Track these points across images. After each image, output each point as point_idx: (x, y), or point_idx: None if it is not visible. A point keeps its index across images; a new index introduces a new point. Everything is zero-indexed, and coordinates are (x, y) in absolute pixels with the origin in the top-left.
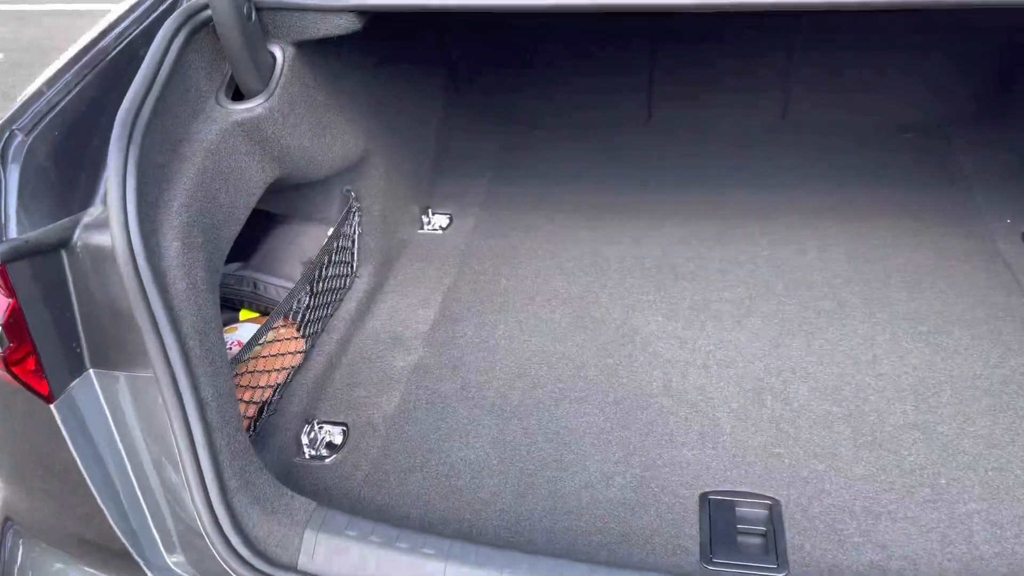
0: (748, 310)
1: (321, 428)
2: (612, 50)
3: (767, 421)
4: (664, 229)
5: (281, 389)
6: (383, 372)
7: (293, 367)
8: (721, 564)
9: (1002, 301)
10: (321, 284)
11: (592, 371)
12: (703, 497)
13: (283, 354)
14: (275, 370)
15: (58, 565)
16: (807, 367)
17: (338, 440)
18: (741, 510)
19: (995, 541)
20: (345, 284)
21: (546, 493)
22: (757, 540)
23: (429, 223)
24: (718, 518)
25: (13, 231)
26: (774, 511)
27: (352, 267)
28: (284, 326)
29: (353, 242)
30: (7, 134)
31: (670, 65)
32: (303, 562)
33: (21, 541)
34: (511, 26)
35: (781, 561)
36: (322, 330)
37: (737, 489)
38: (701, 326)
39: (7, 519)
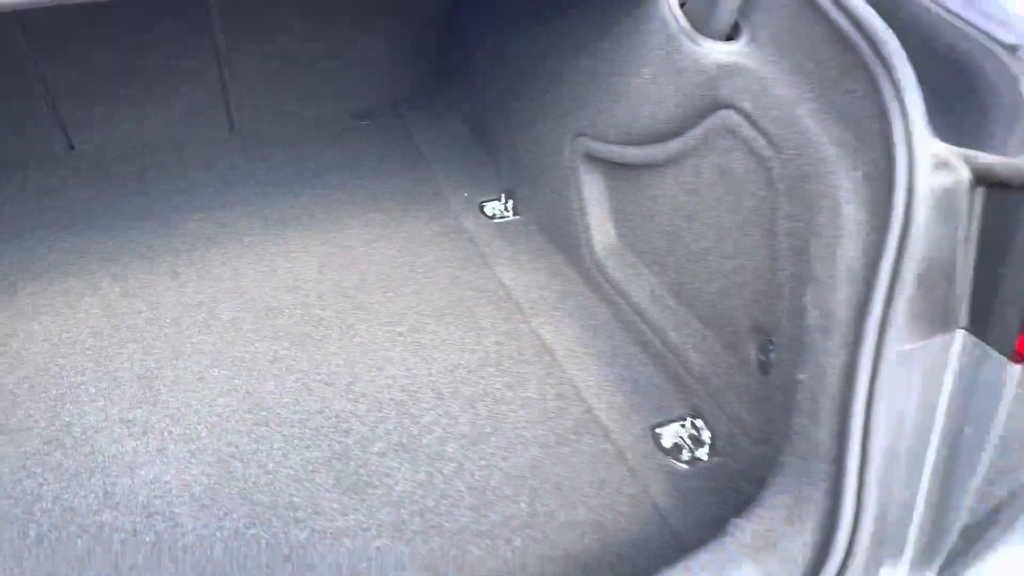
0: (213, 360)
1: None
2: None
3: (238, 498)
4: (101, 283)
5: None
6: None
7: None
8: None
9: (472, 279)
10: None
11: (1, 505)
12: None
13: None
14: None
15: None
16: (281, 411)
17: None
18: None
19: (489, 556)
20: None
21: None
22: None
23: None
24: None
25: None
26: None
27: None
28: None
29: None
30: None
31: (72, 72)
32: None
33: None
34: None
35: None
36: None
37: None
38: (155, 397)
39: None
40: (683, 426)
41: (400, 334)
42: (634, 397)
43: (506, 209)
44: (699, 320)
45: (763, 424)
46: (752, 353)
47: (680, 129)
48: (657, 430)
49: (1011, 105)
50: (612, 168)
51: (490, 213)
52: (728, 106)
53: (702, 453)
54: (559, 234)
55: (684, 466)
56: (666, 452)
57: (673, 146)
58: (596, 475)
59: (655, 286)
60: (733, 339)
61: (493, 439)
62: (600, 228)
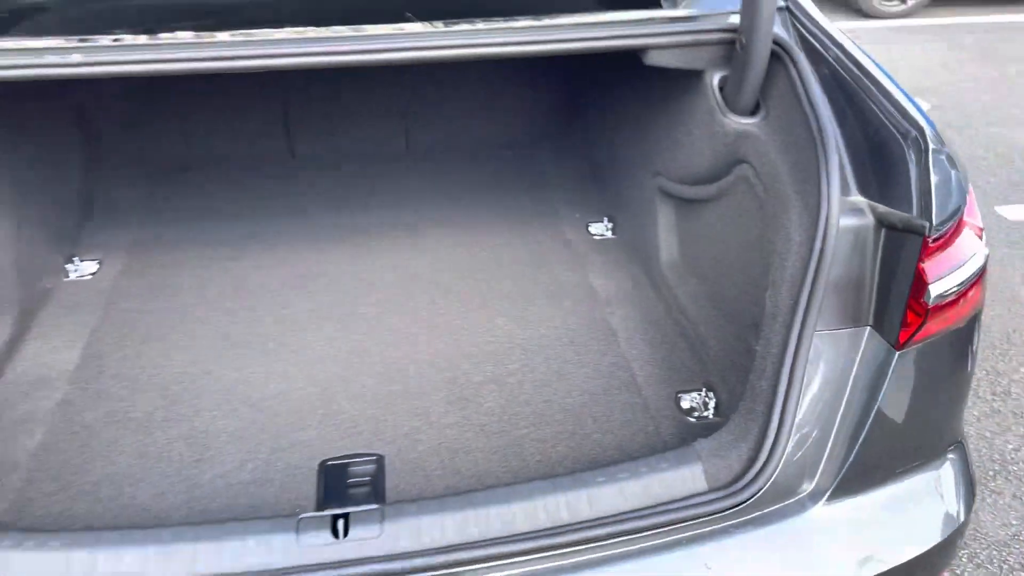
0: (385, 310)
1: None
2: (249, 91)
3: (382, 396)
4: (305, 249)
5: None
6: (26, 414)
7: None
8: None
9: (567, 278)
10: None
11: (229, 378)
12: (321, 465)
13: None
14: None
15: None
16: (420, 350)
17: None
18: (353, 468)
19: (539, 452)
20: None
21: (183, 488)
22: (364, 488)
23: (76, 271)
24: (333, 477)
25: None
26: (379, 464)
27: None
28: None
29: None
30: None
31: (306, 104)
32: None
33: None
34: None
35: (379, 500)
36: None
37: (350, 453)
38: (344, 329)
39: None
40: (699, 394)
41: (506, 309)
42: (668, 371)
43: (607, 230)
44: (723, 317)
45: None
46: (751, 342)
47: (717, 175)
48: (679, 395)
49: (905, 174)
50: (678, 201)
51: (593, 232)
52: (745, 161)
53: (708, 414)
54: (640, 250)
55: (692, 420)
56: (681, 411)
57: (713, 188)
58: (625, 417)
59: (697, 291)
60: (740, 331)
61: (557, 384)
62: (666, 246)
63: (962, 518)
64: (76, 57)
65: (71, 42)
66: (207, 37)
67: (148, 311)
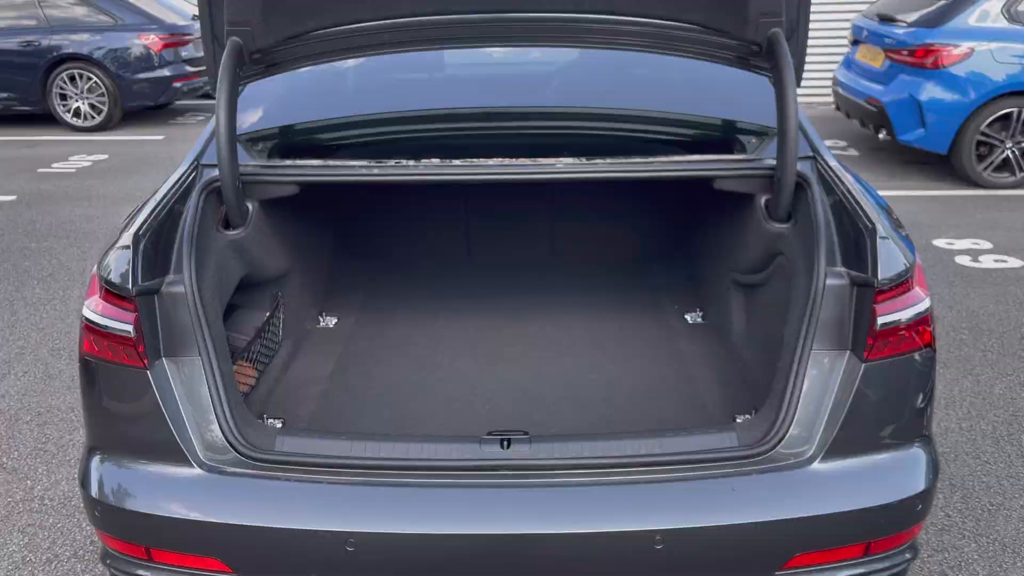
0: (527, 357)
1: (267, 421)
2: (443, 208)
3: (527, 402)
4: (477, 319)
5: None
6: (302, 395)
7: (250, 385)
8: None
9: (662, 344)
10: (262, 343)
11: (431, 385)
12: (489, 432)
13: (243, 378)
14: (239, 383)
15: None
16: (553, 379)
17: (279, 427)
18: (507, 436)
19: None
20: (275, 350)
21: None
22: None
23: (324, 322)
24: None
25: (140, 282)
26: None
27: (279, 339)
28: (243, 364)
29: (279, 323)
30: (137, 240)
31: (480, 220)
32: (277, 448)
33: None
34: (378, 191)
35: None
36: (263, 372)
37: (506, 428)
38: (497, 365)
39: (92, 448)
40: (749, 415)
41: (615, 361)
42: (729, 401)
43: (699, 317)
44: (769, 365)
45: None
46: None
47: (765, 265)
48: (735, 415)
49: (865, 252)
50: (744, 288)
51: (688, 319)
52: (781, 253)
53: None
54: (720, 327)
55: None
56: (735, 423)
57: (763, 275)
58: (695, 420)
59: (756, 349)
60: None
61: (650, 405)
62: (737, 321)
63: (924, 487)
64: (376, 170)
65: (371, 163)
66: (448, 163)
67: (374, 348)
